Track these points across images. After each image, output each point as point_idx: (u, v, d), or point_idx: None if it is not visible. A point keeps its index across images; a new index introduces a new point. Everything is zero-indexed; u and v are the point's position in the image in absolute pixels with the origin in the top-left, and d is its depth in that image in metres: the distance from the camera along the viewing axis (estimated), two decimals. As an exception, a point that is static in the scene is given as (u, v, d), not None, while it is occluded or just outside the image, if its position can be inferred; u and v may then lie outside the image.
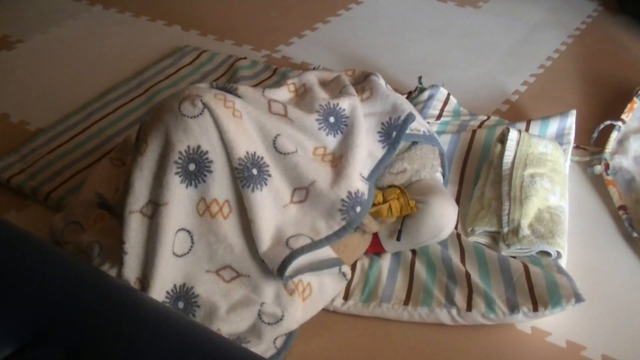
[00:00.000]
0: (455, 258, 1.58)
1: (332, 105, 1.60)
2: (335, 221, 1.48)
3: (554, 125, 1.92)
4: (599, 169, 1.89)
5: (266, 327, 1.43)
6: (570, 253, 1.64)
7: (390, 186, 1.60)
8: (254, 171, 1.45)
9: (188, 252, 1.45)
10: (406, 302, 1.52)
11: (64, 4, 2.80)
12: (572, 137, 1.90)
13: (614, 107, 2.12)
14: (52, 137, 2.01)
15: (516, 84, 2.29)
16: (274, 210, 1.48)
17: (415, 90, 2.10)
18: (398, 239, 1.56)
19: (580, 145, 1.99)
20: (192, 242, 1.45)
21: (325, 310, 1.52)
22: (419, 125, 1.66)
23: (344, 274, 1.51)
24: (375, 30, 2.62)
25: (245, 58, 2.34)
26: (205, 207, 1.45)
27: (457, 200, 1.78)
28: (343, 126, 1.60)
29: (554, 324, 1.48)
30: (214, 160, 1.44)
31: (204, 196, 1.45)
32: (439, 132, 1.96)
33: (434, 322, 1.51)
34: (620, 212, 1.78)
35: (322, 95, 1.64)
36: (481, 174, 1.81)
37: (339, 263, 1.48)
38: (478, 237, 1.66)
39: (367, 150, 1.59)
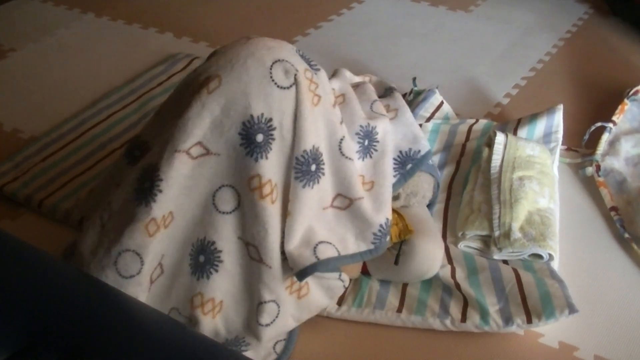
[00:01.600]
0: (446, 268, 1.57)
1: (369, 128, 1.55)
2: (365, 243, 1.45)
3: (541, 124, 1.93)
4: (590, 170, 1.90)
5: (263, 329, 1.41)
6: (562, 255, 1.64)
7: None
8: (313, 167, 1.39)
9: (230, 212, 1.38)
10: (399, 310, 1.52)
11: (57, 12, 2.81)
12: (560, 134, 1.91)
13: (605, 109, 2.13)
14: (45, 144, 2.01)
15: (508, 87, 2.29)
16: (314, 209, 1.42)
17: (410, 93, 2.10)
18: (396, 262, 1.53)
19: (572, 147, 1.99)
20: (238, 204, 1.38)
21: (319, 315, 1.52)
22: None
23: (342, 281, 1.49)
24: (367, 35, 2.62)
25: (237, 64, 2.34)
26: (259, 184, 1.35)
27: (446, 208, 1.78)
28: (373, 151, 1.55)
29: (547, 325, 1.48)
30: (277, 140, 1.36)
31: (260, 172, 1.35)
32: (429, 133, 1.97)
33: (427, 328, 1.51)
34: (612, 213, 1.78)
35: (360, 113, 1.58)
36: (470, 178, 1.82)
37: (339, 269, 1.47)
38: (469, 242, 1.66)
39: None
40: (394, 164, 1.59)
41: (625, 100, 2.08)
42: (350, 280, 1.56)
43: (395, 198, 1.61)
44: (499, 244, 1.61)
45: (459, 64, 2.43)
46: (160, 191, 1.33)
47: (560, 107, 1.95)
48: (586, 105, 2.22)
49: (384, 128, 1.57)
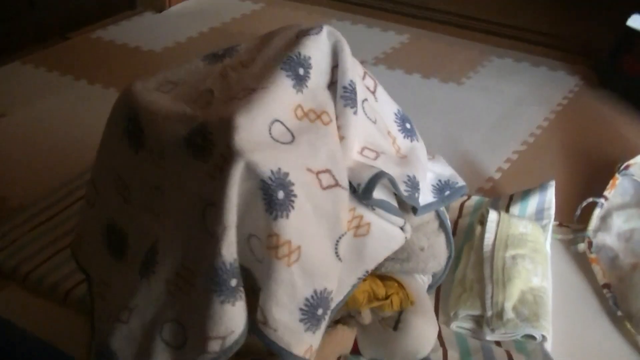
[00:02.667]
0: (439, 353, 1.54)
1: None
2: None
3: (534, 201, 1.92)
4: (582, 246, 1.89)
5: None
6: (554, 333, 1.62)
7: (386, 277, 1.55)
8: (359, 98, 1.45)
9: (288, 143, 1.32)
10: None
11: (49, 78, 2.81)
12: (552, 211, 1.90)
13: (596, 183, 2.12)
14: (33, 214, 1.99)
15: (499, 161, 2.29)
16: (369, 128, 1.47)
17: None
18: (395, 328, 1.49)
19: (563, 222, 1.99)
20: (293, 137, 1.32)
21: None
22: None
23: (404, 232, 1.47)
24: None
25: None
26: (303, 113, 1.35)
27: (438, 286, 1.75)
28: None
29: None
30: (315, 70, 1.42)
31: (301, 103, 1.37)
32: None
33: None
34: (605, 291, 1.77)
35: None
36: (462, 256, 1.81)
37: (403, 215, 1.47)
38: (461, 322, 1.64)
39: None
40: (432, 188, 1.60)
41: (617, 175, 2.08)
42: (339, 358, 1.53)
43: (405, 260, 1.59)
44: (492, 325, 1.59)
45: (450, 137, 2.43)
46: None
47: (552, 183, 1.95)
48: (578, 179, 2.22)
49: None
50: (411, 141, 1.60)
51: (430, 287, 1.69)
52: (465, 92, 2.77)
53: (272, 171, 1.24)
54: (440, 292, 1.74)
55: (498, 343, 1.59)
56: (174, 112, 1.36)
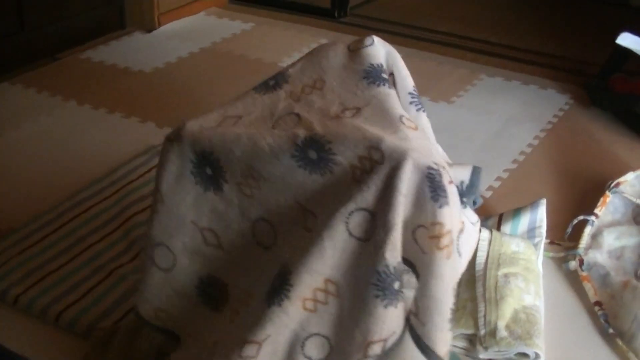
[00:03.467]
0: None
1: None
2: None
3: (525, 219, 1.92)
4: (573, 264, 1.89)
5: None
6: (547, 351, 1.62)
7: None
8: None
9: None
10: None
11: (38, 99, 2.80)
12: (543, 229, 1.90)
13: (587, 201, 2.13)
14: (23, 236, 1.98)
15: (490, 180, 2.29)
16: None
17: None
18: None
19: (555, 240, 1.99)
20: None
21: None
22: None
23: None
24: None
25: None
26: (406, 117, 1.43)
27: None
28: None
29: None
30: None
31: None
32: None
33: None
34: (596, 308, 1.77)
35: None
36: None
37: None
38: (454, 340, 1.64)
39: None
40: None
41: (607, 193, 2.08)
42: None
43: None
44: (485, 343, 1.58)
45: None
46: None
47: (544, 201, 1.95)
48: (568, 197, 2.22)
49: None
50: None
51: None
52: (455, 111, 2.78)
53: (433, 162, 1.29)
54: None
55: (491, 362, 1.59)
56: (261, 134, 1.37)
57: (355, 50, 1.52)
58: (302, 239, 1.34)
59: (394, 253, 1.27)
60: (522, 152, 2.48)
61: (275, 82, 1.53)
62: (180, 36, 3.41)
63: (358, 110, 1.41)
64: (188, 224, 1.44)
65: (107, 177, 2.24)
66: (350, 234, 1.29)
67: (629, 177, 2.13)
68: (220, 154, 1.39)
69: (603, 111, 2.76)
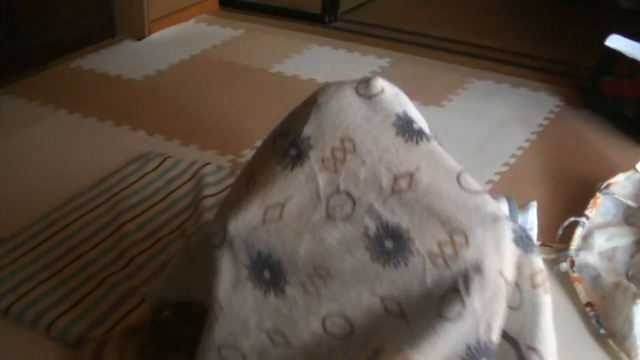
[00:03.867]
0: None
1: None
2: None
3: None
4: (564, 266, 1.89)
5: None
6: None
7: None
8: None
9: None
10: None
11: (29, 108, 2.80)
12: (535, 231, 1.91)
13: (578, 202, 2.13)
14: (13, 247, 1.97)
15: (481, 183, 2.28)
16: None
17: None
18: None
19: (546, 242, 1.99)
20: None
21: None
22: None
23: None
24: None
25: (210, 163, 2.34)
26: None
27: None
28: None
29: None
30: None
31: None
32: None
33: None
34: (588, 309, 1.77)
35: None
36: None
37: None
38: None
39: None
40: None
41: (598, 194, 2.09)
42: None
43: None
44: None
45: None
46: None
47: (534, 203, 1.95)
48: (559, 199, 2.22)
49: None
50: None
51: None
52: (446, 114, 2.78)
53: (512, 228, 1.32)
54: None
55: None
56: (326, 230, 1.33)
57: (369, 98, 1.42)
58: (388, 325, 1.32)
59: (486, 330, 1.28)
60: (513, 155, 2.48)
61: (296, 150, 1.40)
62: (170, 44, 3.41)
63: (412, 178, 1.34)
64: (252, 327, 1.36)
65: (98, 185, 2.24)
66: (442, 313, 1.27)
67: (620, 178, 2.13)
68: (282, 255, 1.33)
69: (593, 113, 2.77)
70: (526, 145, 2.55)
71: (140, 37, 3.45)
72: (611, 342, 1.67)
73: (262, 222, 1.33)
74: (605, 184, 2.11)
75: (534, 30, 3.72)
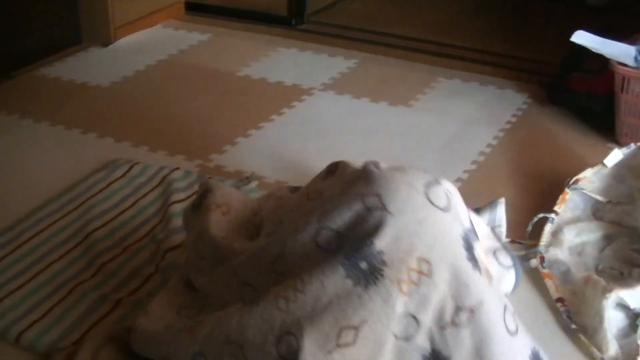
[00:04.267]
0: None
1: None
2: None
3: (484, 219, 1.93)
4: (534, 262, 1.90)
5: None
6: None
7: None
8: None
9: None
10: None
11: (-5, 118, 2.78)
12: (503, 228, 1.93)
13: (547, 199, 2.14)
14: (-20, 258, 1.96)
15: (450, 181, 2.29)
16: None
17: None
18: None
19: (516, 239, 2.00)
20: None
21: None
22: None
23: None
24: (309, 134, 2.63)
25: (178, 169, 2.33)
26: None
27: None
28: None
29: None
30: None
31: None
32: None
33: None
34: (558, 305, 1.78)
35: None
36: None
37: None
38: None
39: None
40: None
41: (566, 190, 2.10)
42: None
43: None
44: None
45: (401, 160, 2.43)
46: None
47: (502, 200, 1.96)
48: (529, 195, 2.23)
49: None
50: None
51: None
52: (414, 114, 2.79)
53: None
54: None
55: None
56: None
57: (442, 210, 1.40)
58: None
59: None
60: (481, 153, 2.49)
61: (368, 265, 1.34)
62: (137, 49, 3.40)
63: (472, 314, 1.34)
64: None
65: (66, 194, 2.22)
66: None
67: (588, 173, 2.15)
68: None
69: (561, 109, 2.79)
70: (494, 142, 2.56)
71: (106, 43, 3.42)
72: (582, 337, 1.68)
73: (336, 346, 1.30)
74: (573, 180, 2.12)
75: (501, 28, 3.74)
